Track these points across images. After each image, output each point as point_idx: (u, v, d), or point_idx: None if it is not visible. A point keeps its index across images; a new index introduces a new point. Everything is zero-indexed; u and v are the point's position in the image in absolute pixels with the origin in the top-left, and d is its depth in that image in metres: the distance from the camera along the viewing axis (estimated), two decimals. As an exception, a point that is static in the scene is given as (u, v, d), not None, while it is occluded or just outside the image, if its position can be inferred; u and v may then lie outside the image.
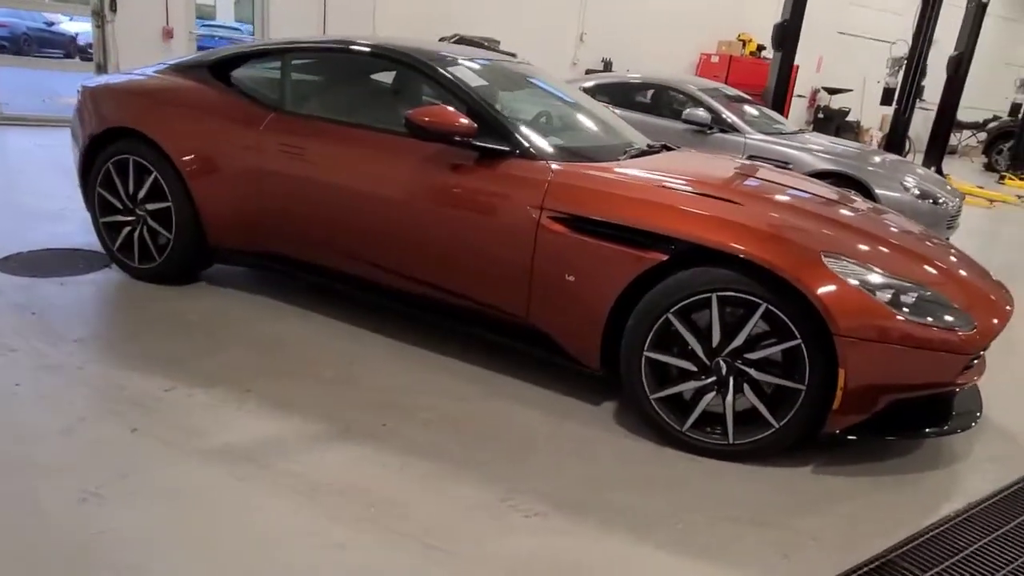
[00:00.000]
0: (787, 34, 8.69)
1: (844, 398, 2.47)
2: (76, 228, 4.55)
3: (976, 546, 2.31)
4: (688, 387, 2.65)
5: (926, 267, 2.75)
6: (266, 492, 2.24)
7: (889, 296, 2.47)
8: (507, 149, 2.92)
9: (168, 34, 8.59)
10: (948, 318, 2.52)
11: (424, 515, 2.21)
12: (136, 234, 3.70)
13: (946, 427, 2.72)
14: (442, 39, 9.86)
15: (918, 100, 18.51)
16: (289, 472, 2.35)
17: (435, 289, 3.11)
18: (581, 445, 2.70)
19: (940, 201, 5.81)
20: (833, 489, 2.59)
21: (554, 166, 2.87)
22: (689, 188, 2.81)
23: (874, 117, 17.30)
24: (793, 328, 2.47)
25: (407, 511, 2.22)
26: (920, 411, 2.68)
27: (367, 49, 3.41)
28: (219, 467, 2.33)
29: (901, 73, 10.63)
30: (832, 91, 15.89)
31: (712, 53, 13.55)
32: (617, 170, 2.91)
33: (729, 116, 6.28)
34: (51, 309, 3.35)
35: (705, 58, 13.56)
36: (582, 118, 3.71)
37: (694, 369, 2.63)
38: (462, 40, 9.74)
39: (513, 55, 10.15)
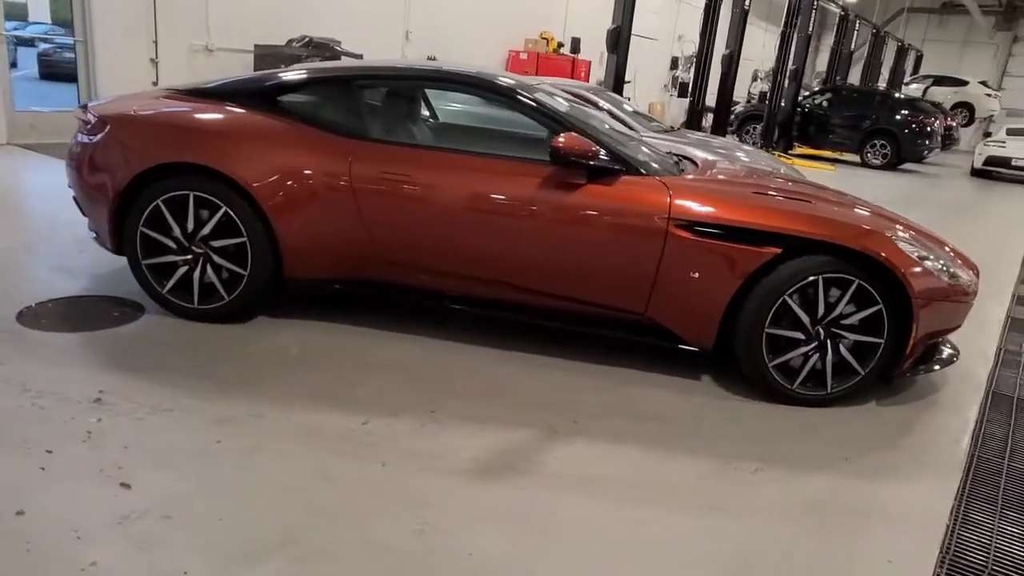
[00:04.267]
0: (620, 38, 9.72)
1: (913, 346, 3.27)
2: (56, 271, 4.07)
3: (1013, 423, 3.27)
4: (799, 353, 3.29)
5: (927, 237, 3.64)
6: (551, 494, 2.49)
7: (931, 263, 3.30)
8: (621, 168, 3.33)
9: (-25, 38, 7.39)
10: (962, 275, 3.42)
11: (684, 487, 2.62)
12: (195, 273, 3.50)
13: (942, 361, 3.63)
14: (291, 41, 9.56)
15: (675, 91, 21.07)
16: (551, 473, 2.60)
17: (552, 297, 3.43)
18: (724, 412, 3.24)
19: (792, 182, 7.10)
20: (900, 417, 3.40)
21: (663, 180, 3.34)
22: (772, 192, 3.44)
23: (643, 105, 19.53)
24: (877, 296, 3.21)
25: (668, 486, 2.61)
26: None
27: (454, 78, 3.57)
28: (494, 482, 2.52)
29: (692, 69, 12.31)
30: (613, 83, 17.64)
31: (520, 50, 14.42)
32: (711, 180, 3.46)
33: (625, 117, 7.06)
34: (144, 363, 3.11)
35: (514, 54, 14.40)
36: (621, 132, 4.14)
37: (803, 338, 3.28)
38: (311, 42, 9.54)
39: (360, 56, 10.15)
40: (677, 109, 20.59)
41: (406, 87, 3.81)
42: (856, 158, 16.74)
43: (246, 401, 2.88)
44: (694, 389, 3.45)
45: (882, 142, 16.34)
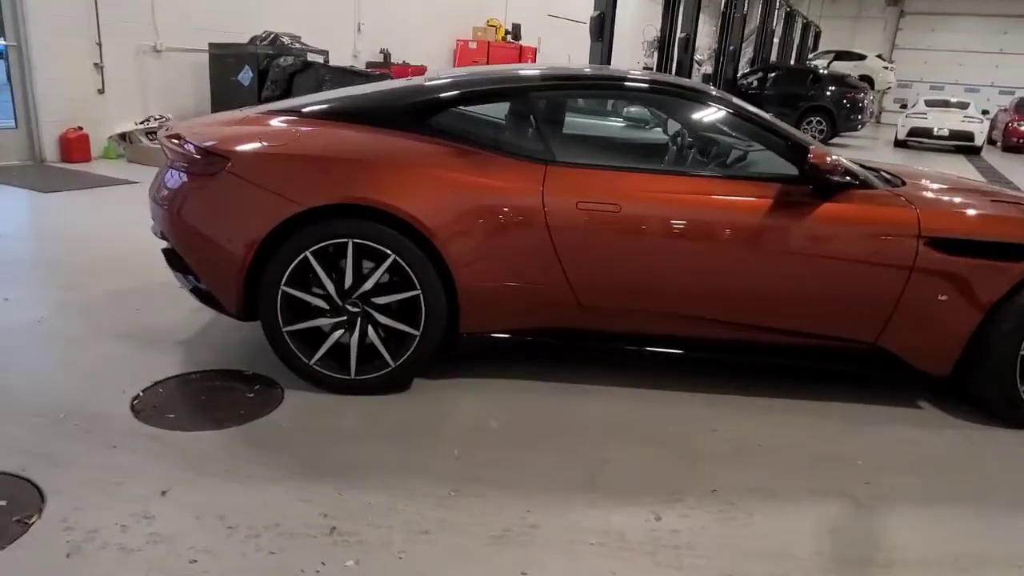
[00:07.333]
0: (604, 24, 9.31)
1: None
2: (131, 341, 3.27)
3: None
4: (1052, 376, 3.01)
5: None
6: (938, 589, 2.08)
7: None
8: (856, 182, 2.92)
9: None
10: None
11: (996, 554, 2.26)
12: (352, 338, 2.84)
13: None
14: (254, 38, 8.59)
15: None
16: (914, 560, 2.19)
17: (772, 332, 2.99)
18: (985, 449, 2.92)
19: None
20: None
21: (900, 193, 2.96)
22: (1003, 200, 3.13)
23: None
24: (1120, 307, 2.96)
25: (980, 556, 2.24)
26: None
27: (649, 87, 3.05)
28: (869, 582, 2.08)
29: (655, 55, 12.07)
30: (552, 69, 17.24)
31: (468, 39, 13.74)
32: (948, 191, 3.14)
33: (662, 110, 6.67)
34: (341, 464, 2.45)
35: (462, 44, 13.70)
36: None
37: (1056, 359, 3.00)
38: (276, 38, 8.62)
39: (325, 52, 9.29)
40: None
41: (598, 98, 3.24)
42: (793, 135, 17.10)
43: (502, 505, 2.29)
44: (930, 421, 3.11)
45: (818, 118, 16.75)
